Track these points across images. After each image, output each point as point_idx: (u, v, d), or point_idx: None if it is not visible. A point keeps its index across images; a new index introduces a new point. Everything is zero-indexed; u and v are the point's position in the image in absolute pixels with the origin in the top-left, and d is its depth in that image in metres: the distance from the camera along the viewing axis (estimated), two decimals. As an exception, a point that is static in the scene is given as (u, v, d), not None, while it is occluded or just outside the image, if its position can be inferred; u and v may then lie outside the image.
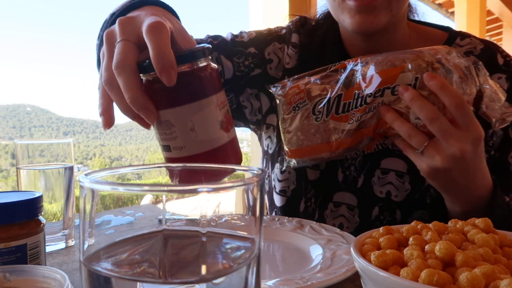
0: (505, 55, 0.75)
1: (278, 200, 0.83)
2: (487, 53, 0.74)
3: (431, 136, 0.55)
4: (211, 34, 0.83)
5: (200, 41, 0.77)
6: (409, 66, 0.55)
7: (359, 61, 0.60)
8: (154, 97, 0.44)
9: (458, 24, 4.58)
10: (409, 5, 0.82)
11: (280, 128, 0.66)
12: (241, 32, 0.84)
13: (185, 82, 0.44)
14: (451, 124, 0.53)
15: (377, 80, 0.56)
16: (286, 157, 0.66)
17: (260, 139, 0.90)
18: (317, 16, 0.85)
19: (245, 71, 0.80)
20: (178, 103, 0.44)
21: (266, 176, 0.86)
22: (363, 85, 0.58)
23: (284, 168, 0.68)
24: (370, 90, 0.57)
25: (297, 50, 0.81)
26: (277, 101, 0.65)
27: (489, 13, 5.38)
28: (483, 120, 0.58)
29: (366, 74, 0.58)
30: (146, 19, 0.45)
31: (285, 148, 0.66)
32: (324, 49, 0.80)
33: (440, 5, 5.74)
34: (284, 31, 0.84)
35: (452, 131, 0.53)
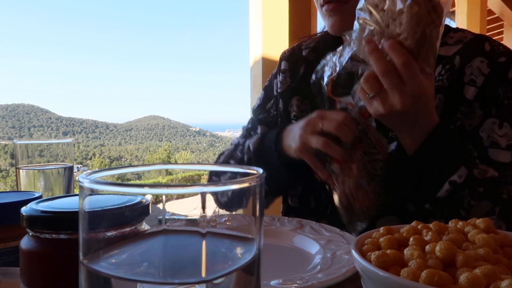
0: (494, 44, 0.76)
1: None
2: (476, 41, 0.77)
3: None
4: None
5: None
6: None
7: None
8: None
9: (458, 23, 4.57)
10: None
11: None
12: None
13: None
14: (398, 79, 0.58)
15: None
16: None
17: None
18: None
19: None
20: None
21: None
22: None
23: None
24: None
25: (286, 74, 0.93)
26: None
27: (490, 12, 5.37)
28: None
29: None
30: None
31: None
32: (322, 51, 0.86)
33: (440, 4, 5.74)
34: (274, 71, 0.97)
35: (398, 85, 0.58)
